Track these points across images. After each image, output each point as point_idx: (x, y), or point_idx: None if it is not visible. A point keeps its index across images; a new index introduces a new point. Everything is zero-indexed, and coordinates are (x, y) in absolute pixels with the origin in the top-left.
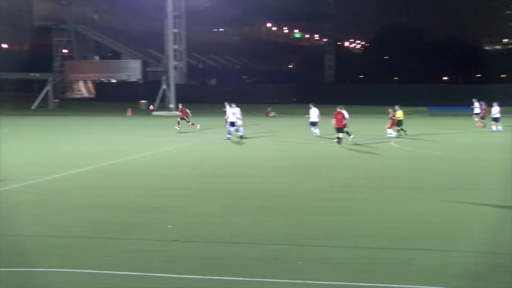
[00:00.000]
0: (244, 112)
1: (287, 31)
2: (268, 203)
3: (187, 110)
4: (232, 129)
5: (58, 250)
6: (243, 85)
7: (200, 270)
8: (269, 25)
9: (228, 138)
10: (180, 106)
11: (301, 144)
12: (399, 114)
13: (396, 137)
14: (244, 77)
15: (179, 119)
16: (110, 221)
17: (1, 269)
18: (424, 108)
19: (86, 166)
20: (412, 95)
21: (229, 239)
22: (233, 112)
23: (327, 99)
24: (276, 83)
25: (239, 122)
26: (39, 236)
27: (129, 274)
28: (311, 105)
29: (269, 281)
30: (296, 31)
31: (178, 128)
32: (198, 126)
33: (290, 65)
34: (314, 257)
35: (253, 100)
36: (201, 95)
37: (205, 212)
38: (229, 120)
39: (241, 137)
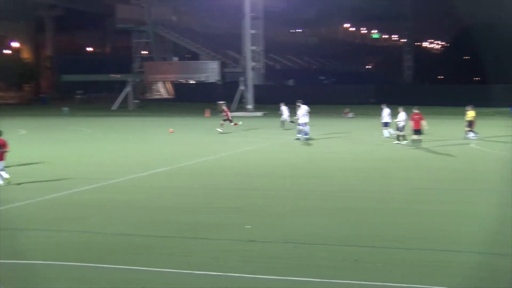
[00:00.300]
0: (321, 113)
1: (365, 31)
2: (347, 204)
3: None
4: (306, 128)
5: (138, 248)
6: (320, 86)
7: (277, 270)
8: (346, 25)
9: (299, 138)
10: (224, 107)
11: (378, 145)
12: (470, 114)
13: (464, 138)
14: (321, 77)
15: (222, 121)
16: (189, 221)
17: (85, 264)
18: (507, 109)
19: (166, 166)
20: (494, 96)
21: (308, 240)
22: (303, 113)
23: (406, 100)
24: (354, 84)
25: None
26: (121, 235)
27: (207, 274)
28: (383, 106)
29: (347, 282)
30: (374, 31)
31: (221, 130)
32: (240, 122)
33: (368, 65)
34: (394, 259)
35: (331, 101)
36: (279, 95)
37: (283, 213)
38: (301, 121)
39: (307, 138)
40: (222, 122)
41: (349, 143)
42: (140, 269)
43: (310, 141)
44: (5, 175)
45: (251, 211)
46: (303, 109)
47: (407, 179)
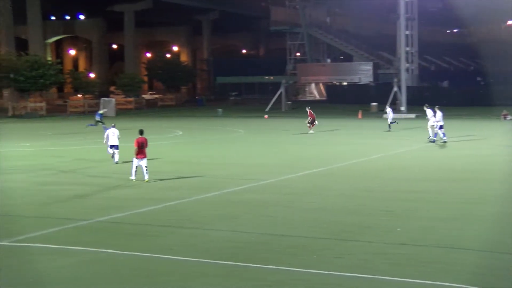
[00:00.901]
0: (476, 115)
1: None
2: (505, 209)
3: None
4: (440, 131)
5: (287, 249)
6: (476, 87)
7: (428, 275)
8: (510, 22)
9: (433, 141)
10: (307, 109)
11: None
12: None
13: None
14: (478, 79)
15: (309, 124)
16: (341, 223)
17: (234, 263)
18: None
19: (317, 168)
20: None
21: (461, 245)
22: (437, 117)
23: None
24: None
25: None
26: (271, 235)
27: (357, 276)
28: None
29: None
30: None
31: (312, 131)
32: (397, 122)
33: None
34: None
35: (487, 103)
36: (433, 97)
37: (436, 216)
38: (439, 123)
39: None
40: (309, 125)
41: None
42: (288, 270)
43: (457, 144)
44: (134, 174)
45: (402, 214)
46: (439, 113)
47: None
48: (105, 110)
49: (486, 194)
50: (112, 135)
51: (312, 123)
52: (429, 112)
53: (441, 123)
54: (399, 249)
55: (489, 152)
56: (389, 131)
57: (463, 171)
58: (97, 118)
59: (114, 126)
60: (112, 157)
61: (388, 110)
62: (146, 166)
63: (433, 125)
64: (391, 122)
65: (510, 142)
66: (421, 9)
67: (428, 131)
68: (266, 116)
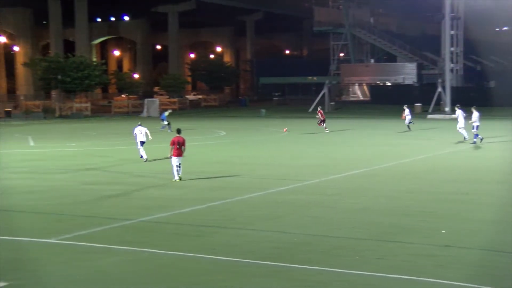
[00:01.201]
0: None
1: None
2: None
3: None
4: (473, 132)
5: (330, 250)
6: None
7: (473, 278)
8: None
9: (474, 142)
10: (319, 108)
11: None
12: None
13: None
14: None
15: (322, 123)
16: (384, 224)
17: (276, 263)
18: None
19: (359, 169)
20: None
21: (507, 248)
22: (473, 118)
23: None
24: None
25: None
26: (313, 235)
27: (400, 278)
28: None
29: None
30: None
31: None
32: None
33: None
34: None
35: None
36: (478, 98)
37: (481, 219)
38: (476, 124)
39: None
40: (321, 124)
41: None
42: (331, 270)
43: (499, 145)
44: (176, 175)
45: (446, 216)
46: (476, 114)
47: None
48: (169, 111)
49: None
50: (140, 132)
51: (323, 122)
52: (458, 112)
53: (477, 123)
54: (443, 251)
55: None
56: (409, 131)
57: (508, 173)
58: (162, 118)
59: (140, 125)
60: (141, 156)
61: (407, 111)
62: (179, 164)
63: (462, 127)
64: (409, 123)
65: None
66: (467, 8)
67: (461, 132)
68: (285, 129)
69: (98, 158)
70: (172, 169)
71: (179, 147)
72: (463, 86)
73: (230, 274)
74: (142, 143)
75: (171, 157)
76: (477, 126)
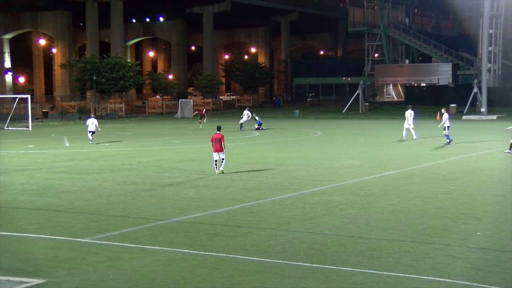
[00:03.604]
0: None
1: None
2: None
3: None
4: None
5: (364, 251)
6: None
7: (511, 282)
8: None
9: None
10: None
11: None
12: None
13: None
14: None
15: None
16: (419, 225)
17: (308, 264)
18: None
19: (395, 169)
20: None
21: None
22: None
23: None
24: None
25: None
26: (347, 236)
27: (435, 280)
28: None
29: None
30: None
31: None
32: None
33: None
34: None
35: None
36: None
37: None
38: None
39: None
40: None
41: None
42: (365, 272)
43: None
44: (215, 168)
45: (483, 217)
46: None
47: None
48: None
49: None
50: (91, 123)
51: None
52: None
53: (448, 124)
54: (479, 253)
55: None
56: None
57: None
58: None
59: (92, 117)
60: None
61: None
62: (223, 159)
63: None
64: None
65: None
66: (508, 6)
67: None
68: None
69: (133, 158)
70: (212, 164)
71: (217, 143)
72: (501, 87)
73: (264, 275)
74: (92, 132)
75: (212, 153)
76: (448, 127)
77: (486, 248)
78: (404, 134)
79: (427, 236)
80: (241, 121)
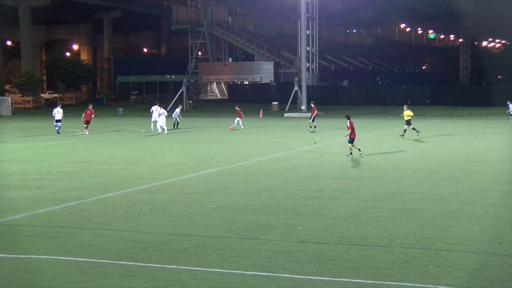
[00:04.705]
0: (376, 114)
1: (421, 31)
2: (406, 206)
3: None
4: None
5: (189, 248)
6: (375, 87)
7: (328, 272)
8: (403, 26)
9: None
10: (237, 108)
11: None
12: (407, 113)
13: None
14: (377, 78)
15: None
16: (242, 221)
17: (133, 263)
18: None
19: (219, 167)
20: None
21: (360, 242)
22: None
23: (461, 101)
24: (409, 85)
25: None
26: (172, 234)
27: (258, 274)
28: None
29: (398, 284)
30: (430, 31)
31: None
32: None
33: (424, 66)
34: (446, 262)
35: (386, 102)
36: (333, 96)
37: (337, 215)
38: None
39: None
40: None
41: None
42: (189, 269)
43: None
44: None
45: (303, 211)
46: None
47: (466, 181)
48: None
49: (384, 192)
50: (57, 112)
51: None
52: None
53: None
54: (299, 246)
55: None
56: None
57: (375, 168)
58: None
59: (58, 106)
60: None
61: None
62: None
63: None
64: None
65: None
66: (322, 9)
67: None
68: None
69: None
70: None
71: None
72: (319, 85)
73: (87, 275)
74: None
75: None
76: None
77: (305, 241)
78: None
79: (251, 232)
80: (153, 118)
